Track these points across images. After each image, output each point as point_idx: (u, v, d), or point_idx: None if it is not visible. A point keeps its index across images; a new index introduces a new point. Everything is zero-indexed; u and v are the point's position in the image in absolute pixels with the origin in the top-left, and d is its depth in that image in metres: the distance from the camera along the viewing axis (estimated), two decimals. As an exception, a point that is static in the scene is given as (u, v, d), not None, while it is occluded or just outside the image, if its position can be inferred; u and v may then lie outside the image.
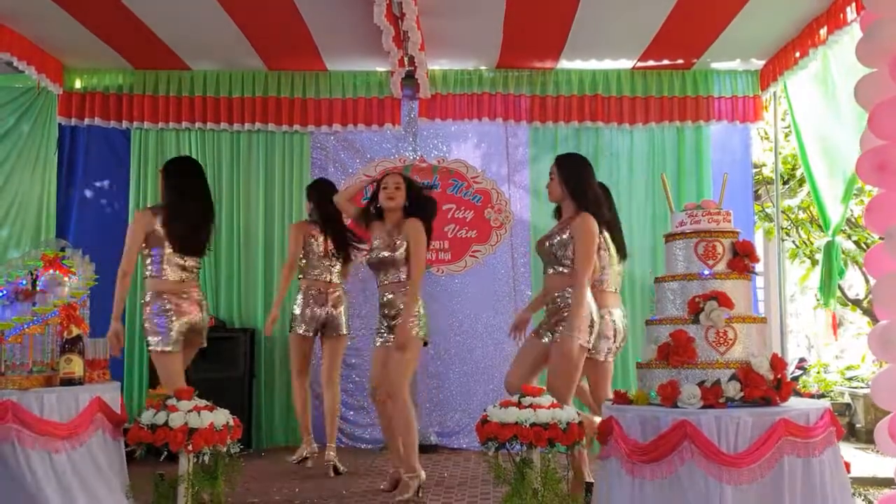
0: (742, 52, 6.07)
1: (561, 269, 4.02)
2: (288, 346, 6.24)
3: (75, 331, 3.50)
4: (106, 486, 3.45)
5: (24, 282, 3.63)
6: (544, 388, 3.72)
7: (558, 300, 4.00)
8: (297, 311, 5.22)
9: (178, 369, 4.26)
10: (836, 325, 9.09)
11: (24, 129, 6.38)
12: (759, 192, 7.84)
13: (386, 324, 4.49)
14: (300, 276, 5.31)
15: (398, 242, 4.42)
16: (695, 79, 6.40)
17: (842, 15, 4.92)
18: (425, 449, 6.01)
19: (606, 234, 4.33)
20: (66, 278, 3.72)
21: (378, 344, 4.54)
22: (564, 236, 4.01)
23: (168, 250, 4.28)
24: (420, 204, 4.55)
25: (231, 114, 6.40)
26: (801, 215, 7.59)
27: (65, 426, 3.29)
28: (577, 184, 4.08)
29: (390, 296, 4.45)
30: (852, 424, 6.74)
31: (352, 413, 6.32)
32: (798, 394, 6.34)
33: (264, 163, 6.54)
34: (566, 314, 3.90)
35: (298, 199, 6.35)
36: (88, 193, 6.44)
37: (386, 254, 4.43)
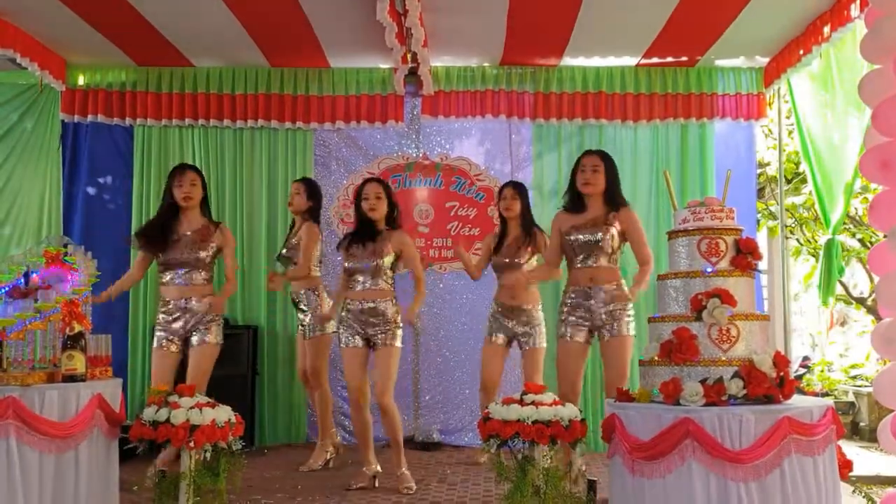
0: (746, 49, 6.05)
1: (612, 263, 4.29)
2: (289, 344, 6.26)
3: (77, 327, 3.49)
4: (100, 484, 3.46)
5: (21, 280, 3.62)
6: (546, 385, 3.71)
7: (614, 292, 4.25)
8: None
9: None
10: (836, 322, 9.06)
11: (26, 126, 6.38)
12: (764, 190, 7.82)
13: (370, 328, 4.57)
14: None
15: (385, 251, 4.56)
16: (699, 76, 6.38)
17: (846, 12, 4.91)
18: (428, 446, 6.02)
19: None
20: (68, 275, 3.72)
21: (359, 346, 4.60)
22: (613, 230, 4.24)
23: None
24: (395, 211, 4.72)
25: (234, 111, 6.40)
26: (806, 213, 7.56)
27: (63, 425, 3.29)
28: (617, 180, 4.38)
29: (371, 304, 4.55)
30: (856, 423, 6.73)
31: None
32: (801, 392, 6.33)
33: (267, 160, 6.52)
34: (621, 306, 4.22)
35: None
36: (91, 190, 6.42)
37: (373, 262, 4.55)
